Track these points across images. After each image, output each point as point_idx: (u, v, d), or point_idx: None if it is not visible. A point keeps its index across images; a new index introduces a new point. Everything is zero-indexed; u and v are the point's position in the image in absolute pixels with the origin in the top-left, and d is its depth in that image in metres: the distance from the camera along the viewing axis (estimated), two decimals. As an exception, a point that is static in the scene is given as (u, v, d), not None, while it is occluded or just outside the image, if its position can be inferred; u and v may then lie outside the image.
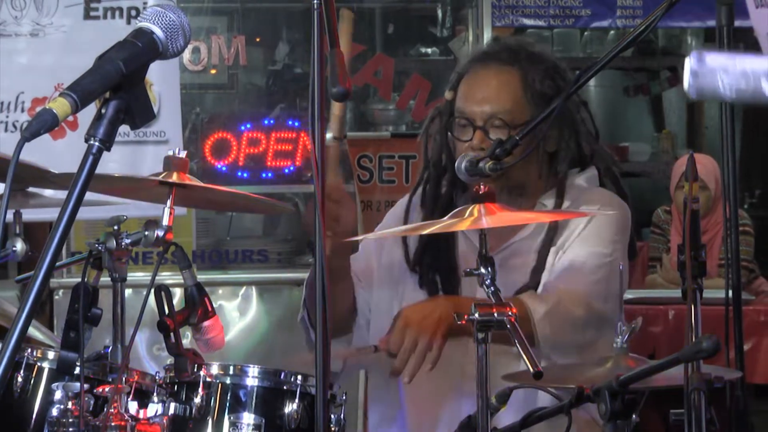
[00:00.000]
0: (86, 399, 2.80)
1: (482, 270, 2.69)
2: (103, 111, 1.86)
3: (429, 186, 3.33)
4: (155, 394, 2.88)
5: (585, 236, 3.18)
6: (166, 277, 4.37)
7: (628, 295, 4.99)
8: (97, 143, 1.84)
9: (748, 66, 1.48)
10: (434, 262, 3.27)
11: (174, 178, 2.94)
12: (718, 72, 1.49)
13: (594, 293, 3.09)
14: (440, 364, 3.10)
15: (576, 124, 3.28)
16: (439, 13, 7.28)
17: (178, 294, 3.06)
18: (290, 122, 6.68)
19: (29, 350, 2.95)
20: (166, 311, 2.91)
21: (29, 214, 3.29)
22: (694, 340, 2.37)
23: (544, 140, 3.18)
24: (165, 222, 2.88)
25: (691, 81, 1.49)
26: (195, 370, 2.89)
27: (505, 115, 3.18)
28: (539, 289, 3.16)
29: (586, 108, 3.34)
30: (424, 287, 3.28)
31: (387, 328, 3.30)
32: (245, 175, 6.58)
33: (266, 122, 6.71)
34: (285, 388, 2.88)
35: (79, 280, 2.88)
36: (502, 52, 3.29)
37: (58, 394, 2.78)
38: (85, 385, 2.80)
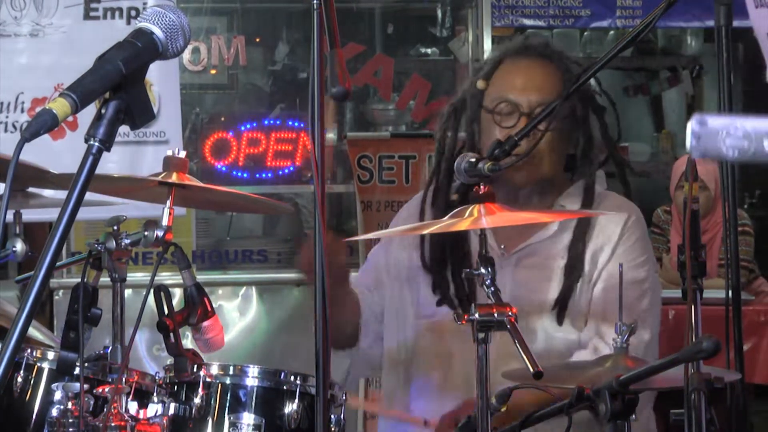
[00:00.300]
0: (86, 399, 2.80)
1: (482, 270, 2.69)
2: (102, 111, 1.86)
3: (441, 183, 3.32)
4: (155, 394, 2.88)
5: (622, 257, 3.16)
6: (166, 277, 4.37)
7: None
8: (96, 143, 1.84)
9: (749, 127, 1.52)
10: (446, 262, 3.27)
11: (173, 178, 2.94)
12: (720, 133, 1.52)
13: (643, 325, 3.09)
14: (445, 366, 3.12)
15: (590, 129, 3.27)
16: (439, 13, 7.28)
17: (177, 294, 3.06)
18: (290, 122, 6.69)
19: (29, 350, 2.96)
20: (166, 311, 2.91)
21: (29, 215, 3.30)
22: (694, 340, 2.37)
23: (568, 140, 3.20)
24: (164, 222, 2.88)
25: (693, 143, 1.52)
26: (195, 370, 2.89)
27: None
28: (572, 303, 3.16)
29: (605, 113, 3.33)
30: (437, 290, 3.27)
31: (398, 327, 3.31)
32: (245, 175, 6.58)
33: (266, 122, 6.71)
34: (285, 388, 2.88)
35: (79, 280, 2.88)
36: (541, 47, 3.30)
37: (58, 395, 2.78)
38: (85, 386, 2.80)
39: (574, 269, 3.18)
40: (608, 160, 3.34)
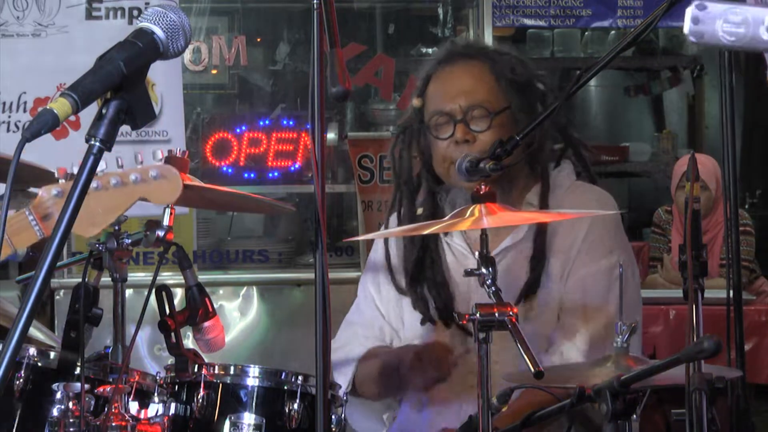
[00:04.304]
0: (87, 399, 2.80)
1: (483, 270, 2.69)
2: (103, 111, 1.86)
3: (404, 206, 3.34)
4: (156, 394, 2.88)
5: (590, 250, 3.18)
6: (167, 277, 4.37)
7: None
8: (97, 143, 1.84)
9: (749, 14, 1.52)
10: (423, 281, 3.28)
11: (175, 178, 2.94)
12: (718, 18, 1.52)
13: (613, 310, 3.09)
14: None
15: (535, 115, 3.27)
16: (440, 13, 7.28)
17: (178, 294, 3.06)
18: (291, 122, 6.68)
19: (30, 350, 2.95)
20: (167, 311, 2.91)
21: (30, 215, 3.29)
22: (695, 340, 2.37)
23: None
24: (165, 222, 2.88)
25: (692, 26, 1.52)
26: (196, 370, 2.89)
27: (485, 103, 3.19)
28: (541, 296, 3.15)
29: (545, 98, 3.32)
30: (417, 309, 3.28)
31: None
32: (246, 175, 6.58)
33: (267, 122, 6.71)
34: (286, 388, 2.88)
35: (80, 280, 2.89)
36: (466, 49, 3.32)
37: (58, 395, 2.78)
38: (86, 386, 2.80)
39: (537, 262, 3.18)
40: (567, 148, 3.34)
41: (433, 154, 3.26)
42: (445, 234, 3.29)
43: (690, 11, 1.52)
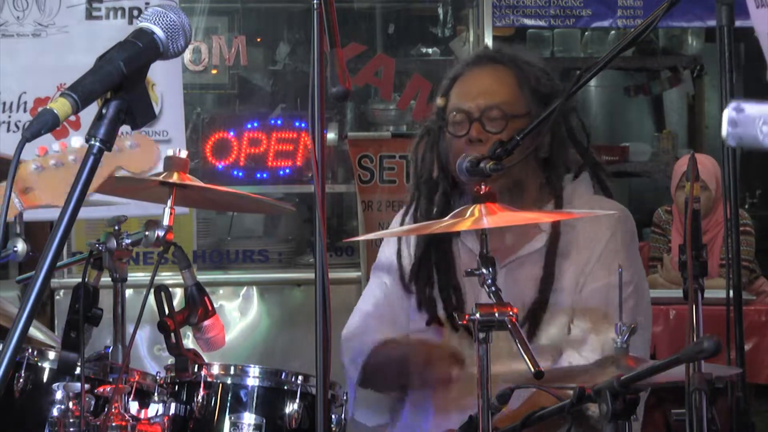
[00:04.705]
0: (87, 399, 2.81)
1: (483, 270, 2.69)
2: (103, 111, 1.86)
3: (420, 204, 3.34)
4: (156, 394, 2.88)
5: (603, 264, 3.18)
6: (167, 277, 4.37)
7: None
8: (97, 143, 1.84)
9: None
10: (431, 280, 3.27)
11: (174, 178, 2.94)
12: (757, 120, 1.50)
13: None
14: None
15: (568, 130, 3.29)
16: (440, 13, 7.29)
17: (178, 294, 3.06)
18: (291, 122, 6.69)
19: (30, 350, 2.96)
20: (167, 311, 2.91)
21: (30, 214, 3.29)
22: (695, 340, 2.37)
23: (540, 145, 3.20)
24: (165, 222, 2.88)
25: (729, 129, 1.50)
26: (196, 370, 2.89)
27: (503, 105, 3.20)
28: (549, 314, 3.15)
29: (577, 114, 3.34)
30: (423, 309, 3.28)
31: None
32: (246, 175, 6.59)
33: (267, 122, 6.71)
34: (286, 388, 2.89)
35: (80, 280, 2.89)
36: (495, 54, 3.34)
37: (58, 395, 2.79)
38: (86, 385, 2.80)
39: (546, 283, 3.19)
40: (586, 165, 3.34)
41: (450, 154, 3.26)
42: (458, 234, 3.29)
43: (727, 114, 1.50)
